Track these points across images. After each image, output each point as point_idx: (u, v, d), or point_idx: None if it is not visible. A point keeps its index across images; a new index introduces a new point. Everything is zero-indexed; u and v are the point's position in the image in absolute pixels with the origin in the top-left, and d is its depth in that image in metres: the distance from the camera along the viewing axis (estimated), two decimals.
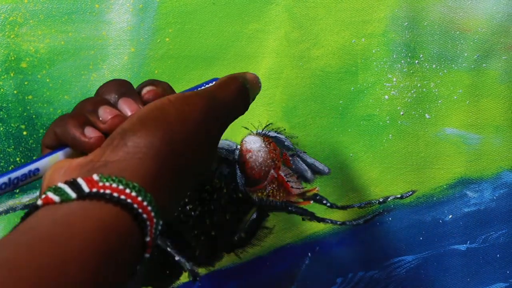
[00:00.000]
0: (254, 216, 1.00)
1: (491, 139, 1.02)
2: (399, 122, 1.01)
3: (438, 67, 1.01)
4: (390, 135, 1.01)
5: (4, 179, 0.54)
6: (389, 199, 1.02)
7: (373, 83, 1.00)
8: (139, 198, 0.47)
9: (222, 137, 0.99)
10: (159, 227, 0.50)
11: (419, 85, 1.00)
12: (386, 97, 1.00)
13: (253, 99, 0.68)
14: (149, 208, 0.48)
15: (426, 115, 1.01)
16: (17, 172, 0.56)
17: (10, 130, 0.97)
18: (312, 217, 1.01)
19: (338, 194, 1.01)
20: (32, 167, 0.56)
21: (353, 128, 1.01)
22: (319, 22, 1.00)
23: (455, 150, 1.02)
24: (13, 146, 0.97)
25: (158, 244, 0.98)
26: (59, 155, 0.55)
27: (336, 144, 1.01)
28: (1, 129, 0.97)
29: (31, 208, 0.46)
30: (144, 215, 0.47)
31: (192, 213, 0.99)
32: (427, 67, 1.01)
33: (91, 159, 0.50)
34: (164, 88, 0.61)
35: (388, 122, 1.01)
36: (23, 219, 0.46)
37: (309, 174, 0.99)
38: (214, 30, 0.99)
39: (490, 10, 1.00)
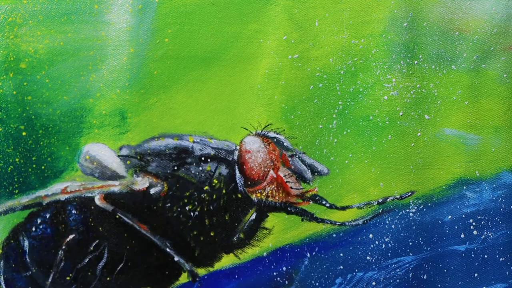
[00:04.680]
0: (253, 216, 1.00)
1: (491, 139, 1.02)
2: (398, 122, 1.01)
3: (438, 67, 1.01)
4: (389, 136, 1.01)
5: None
6: (388, 199, 1.02)
7: (373, 84, 1.00)
8: None
9: (221, 138, 1.00)
10: None
11: (418, 85, 1.00)
12: (386, 97, 1.01)
13: None
14: None
15: (426, 115, 1.01)
16: None
17: (9, 130, 0.97)
18: (311, 217, 1.01)
19: (337, 195, 1.01)
20: None
21: (352, 128, 1.01)
22: (318, 22, 1.00)
23: (454, 151, 1.02)
24: (12, 147, 0.97)
25: (158, 245, 0.98)
26: None
27: (335, 144, 1.01)
28: (0, 129, 0.97)
29: None
30: None
31: (192, 213, 0.99)
32: (427, 67, 1.01)
33: None
34: None
35: (387, 122, 1.01)
36: None
37: (308, 174, 0.99)
38: (213, 30, 0.99)
39: (489, 11, 1.00)
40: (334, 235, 1.02)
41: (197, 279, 1.00)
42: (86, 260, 0.97)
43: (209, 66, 0.99)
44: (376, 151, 1.01)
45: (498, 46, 1.00)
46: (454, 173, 1.02)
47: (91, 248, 0.97)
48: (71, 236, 0.97)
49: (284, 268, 1.02)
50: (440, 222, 1.03)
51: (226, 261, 1.01)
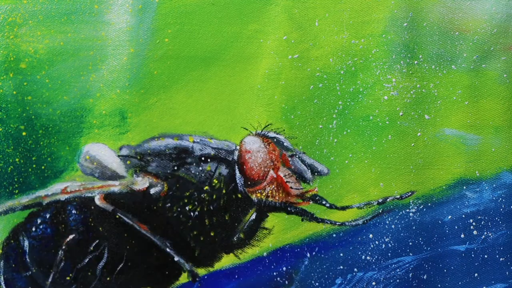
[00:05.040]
0: (253, 216, 1.00)
1: (490, 139, 1.02)
2: (398, 122, 1.01)
3: (438, 67, 1.01)
4: (389, 136, 1.01)
5: None
6: (388, 199, 1.02)
7: (373, 84, 1.00)
8: None
9: (221, 138, 1.00)
10: None
11: (418, 85, 1.00)
12: (386, 97, 1.01)
13: None
14: None
15: (425, 115, 1.01)
16: None
17: (9, 130, 0.97)
18: (311, 217, 1.01)
19: (337, 195, 1.01)
20: None
21: (352, 128, 1.01)
22: (318, 22, 1.00)
23: (454, 151, 1.02)
24: (12, 147, 0.97)
25: (157, 245, 0.98)
26: None
27: (335, 144, 1.01)
28: (0, 129, 0.97)
29: None
30: None
31: (192, 213, 0.99)
32: (427, 67, 1.01)
33: None
34: None
35: (387, 122, 1.01)
36: None
37: (308, 174, 0.99)
38: (213, 30, 0.99)
39: (489, 11, 1.00)
40: (334, 235, 1.02)
41: (197, 279, 1.00)
42: (86, 260, 0.97)
43: (209, 66, 0.99)
44: (376, 151, 1.01)
45: (498, 46, 1.00)
46: (454, 173, 1.02)
47: (91, 248, 0.97)
48: (71, 236, 0.97)
49: (284, 268, 1.02)
50: (440, 222, 1.03)
51: (226, 261, 1.01)
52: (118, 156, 0.99)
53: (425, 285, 1.03)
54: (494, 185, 1.02)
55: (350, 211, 1.02)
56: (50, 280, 0.97)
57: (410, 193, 1.02)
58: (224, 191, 0.98)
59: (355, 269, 1.02)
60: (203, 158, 0.98)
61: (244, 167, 0.97)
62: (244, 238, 1.00)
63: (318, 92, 1.00)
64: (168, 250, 0.98)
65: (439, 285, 1.03)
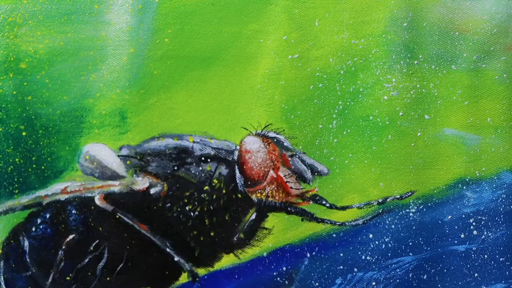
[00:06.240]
0: (253, 216, 1.00)
1: (490, 139, 1.02)
2: (398, 122, 1.01)
3: (438, 67, 1.01)
4: (389, 136, 1.01)
5: None
6: (388, 199, 1.02)
7: (373, 84, 1.00)
8: None
9: (221, 138, 1.00)
10: None
11: (418, 85, 1.00)
12: (386, 97, 1.01)
13: None
14: None
15: (426, 115, 1.01)
16: None
17: (9, 130, 0.97)
18: (311, 217, 1.01)
19: (337, 195, 1.01)
20: None
21: (352, 128, 1.01)
22: (318, 22, 1.00)
23: (454, 151, 1.02)
24: (12, 147, 0.97)
25: (157, 245, 0.98)
26: None
27: (335, 144, 1.01)
28: (0, 129, 0.97)
29: None
30: None
31: (192, 213, 0.99)
32: (427, 67, 1.01)
33: None
34: None
35: (387, 122, 1.01)
36: None
37: (308, 174, 0.99)
38: (213, 30, 0.99)
39: (489, 11, 1.00)
40: (334, 235, 1.02)
41: (197, 279, 1.00)
42: (86, 260, 0.97)
43: (209, 66, 0.99)
44: (376, 151, 1.01)
45: (498, 46, 1.00)
46: (454, 173, 1.02)
47: (91, 248, 0.97)
48: (71, 236, 0.97)
49: (284, 268, 1.02)
50: (440, 222, 1.03)
51: (226, 261, 1.01)
52: (118, 156, 0.99)
53: (425, 285, 1.03)
54: (494, 185, 1.03)
55: (350, 211, 1.02)
56: (50, 280, 0.97)
57: (410, 193, 1.02)
58: (224, 191, 0.98)
59: (355, 269, 1.02)
60: (203, 158, 0.98)
61: (244, 167, 0.97)
62: (244, 238, 1.00)
63: (318, 92, 1.00)
64: (168, 250, 0.98)
65: (439, 285, 1.03)
